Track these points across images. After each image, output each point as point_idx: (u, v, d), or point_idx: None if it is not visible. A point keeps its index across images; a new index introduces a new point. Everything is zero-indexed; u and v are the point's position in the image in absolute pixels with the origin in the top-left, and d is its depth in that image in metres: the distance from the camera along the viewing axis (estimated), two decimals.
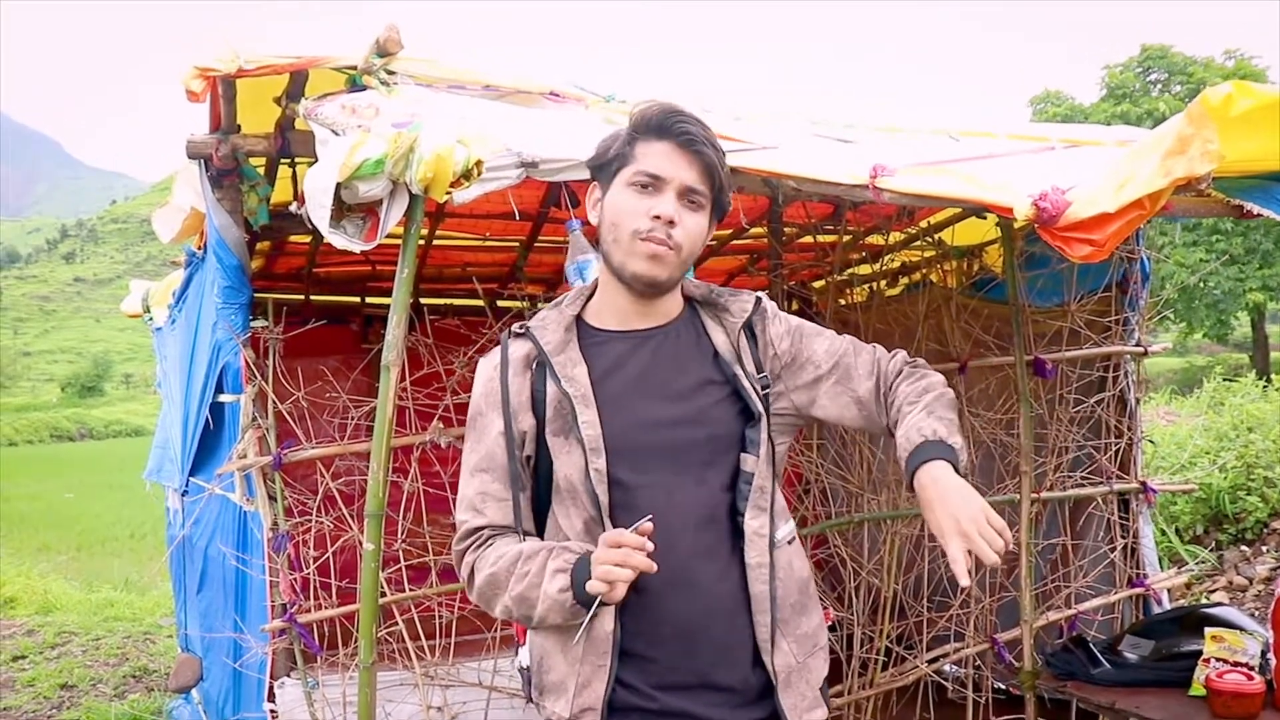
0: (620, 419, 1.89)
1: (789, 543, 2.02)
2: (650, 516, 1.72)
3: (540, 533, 2.00)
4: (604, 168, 1.93)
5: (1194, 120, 2.33)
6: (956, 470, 1.78)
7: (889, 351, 2.07)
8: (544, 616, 1.81)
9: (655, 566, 1.69)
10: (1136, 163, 2.42)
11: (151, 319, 5.44)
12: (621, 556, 1.68)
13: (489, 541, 1.94)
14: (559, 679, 1.90)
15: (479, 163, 2.53)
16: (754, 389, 1.95)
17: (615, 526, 1.82)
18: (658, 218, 1.83)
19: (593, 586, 1.70)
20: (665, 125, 1.86)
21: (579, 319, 2.02)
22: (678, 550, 1.84)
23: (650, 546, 1.69)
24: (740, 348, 1.99)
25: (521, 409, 1.94)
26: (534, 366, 1.96)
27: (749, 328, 2.01)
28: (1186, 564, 6.85)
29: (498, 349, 2.01)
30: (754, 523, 1.91)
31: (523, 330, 1.99)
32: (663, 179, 1.85)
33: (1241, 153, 2.50)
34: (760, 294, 2.08)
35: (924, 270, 4.98)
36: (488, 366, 2.01)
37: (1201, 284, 23.49)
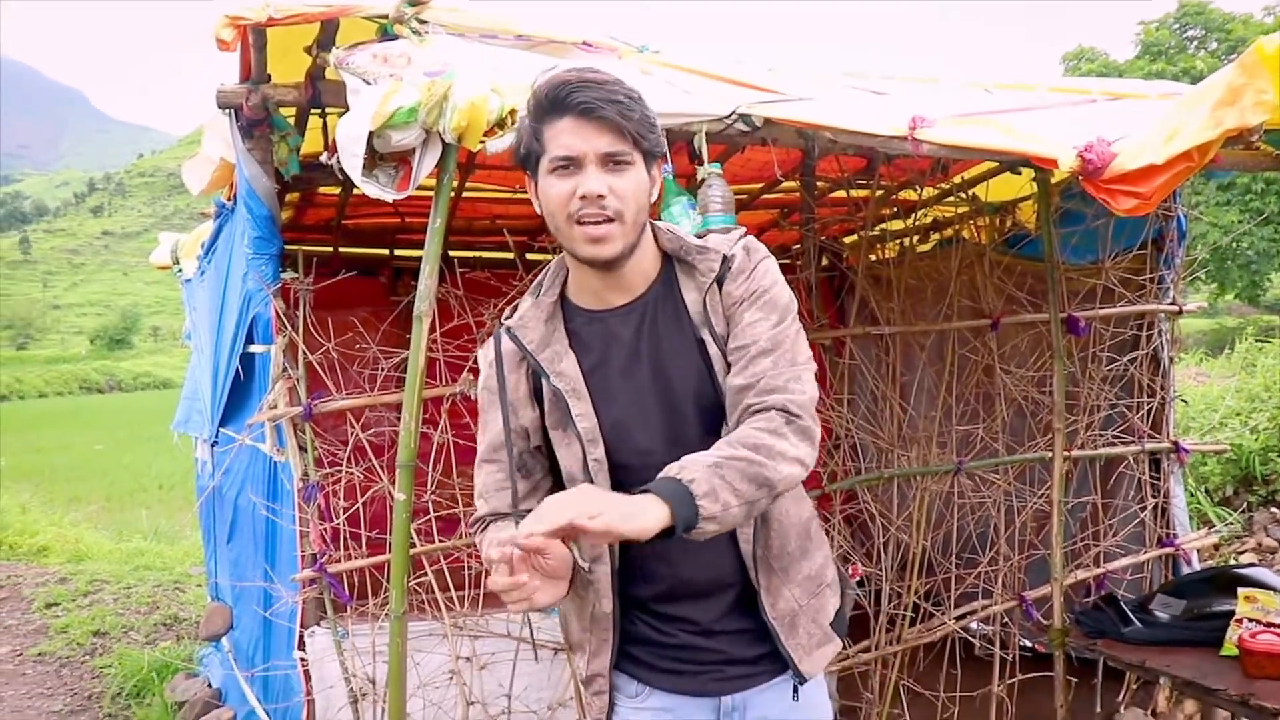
0: (614, 407, 1.91)
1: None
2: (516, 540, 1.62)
3: None
4: (526, 161, 1.87)
5: (1247, 70, 2.27)
6: (674, 515, 1.61)
7: (799, 390, 1.83)
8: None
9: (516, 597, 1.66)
10: (1185, 114, 2.36)
11: (180, 271, 5.45)
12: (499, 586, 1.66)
13: (488, 528, 2.00)
14: (578, 640, 2.06)
15: (513, 111, 2.51)
16: (721, 350, 1.89)
17: None
18: (584, 197, 1.78)
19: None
20: (559, 100, 1.78)
21: (563, 298, 1.99)
22: None
23: (505, 573, 1.64)
24: (710, 307, 1.91)
25: (520, 403, 1.98)
26: (523, 361, 1.97)
27: (719, 283, 1.92)
28: (1216, 525, 6.81)
29: (491, 341, 2.02)
30: None
31: (507, 330, 1.98)
32: (576, 157, 1.78)
33: None
34: (737, 246, 1.95)
35: (957, 226, 4.93)
36: (484, 360, 2.03)
37: (1234, 244, 23.19)
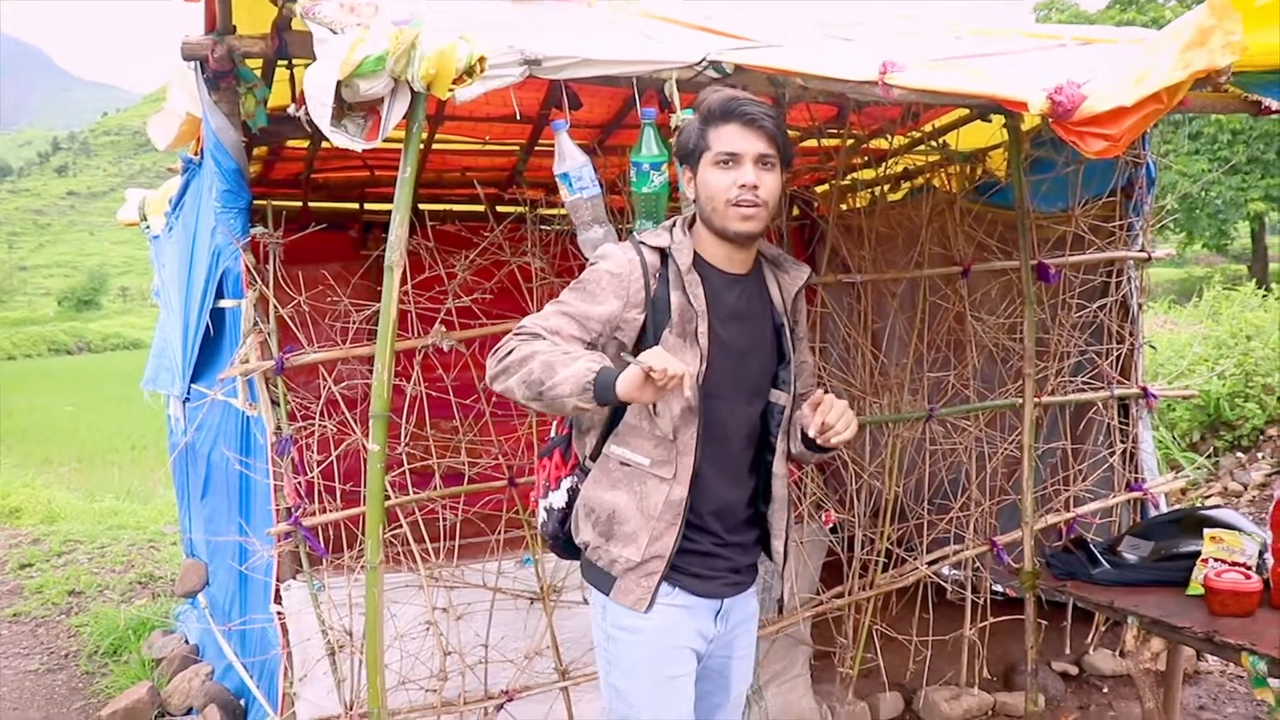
0: (716, 341, 2.38)
1: None
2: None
3: (619, 412, 2.40)
4: (689, 156, 2.38)
5: (1215, 10, 2.27)
6: None
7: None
8: (557, 384, 2.12)
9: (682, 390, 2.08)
10: (1154, 56, 2.36)
11: (149, 227, 5.39)
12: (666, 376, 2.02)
13: (541, 340, 2.27)
14: (632, 530, 2.38)
15: (482, 59, 2.48)
16: (791, 338, 2.50)
17: (698, 419, 2.36)
18: (744, 186, 2.29)
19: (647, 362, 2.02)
20: (729, 110, 2.31)
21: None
22: (731, 449, 2.45)
23: (686, 392, 2.09)
24: (786, 303, 2.51)
25: (634, 305, 2.36)
26: (657, 276, 2.39)
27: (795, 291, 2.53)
28: (1183, 469, 6.90)
29: (629, 244, 2.44)
30: (781, 444, 2.50)
31: (659, 248, 2.41)
32: (738, 154, 2.30)
33: (1263, 45, 2.45)
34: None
35: (927, 175, 4.93)
36: (624, 257, 2.40)
37: (1203, 193, 23.28)
